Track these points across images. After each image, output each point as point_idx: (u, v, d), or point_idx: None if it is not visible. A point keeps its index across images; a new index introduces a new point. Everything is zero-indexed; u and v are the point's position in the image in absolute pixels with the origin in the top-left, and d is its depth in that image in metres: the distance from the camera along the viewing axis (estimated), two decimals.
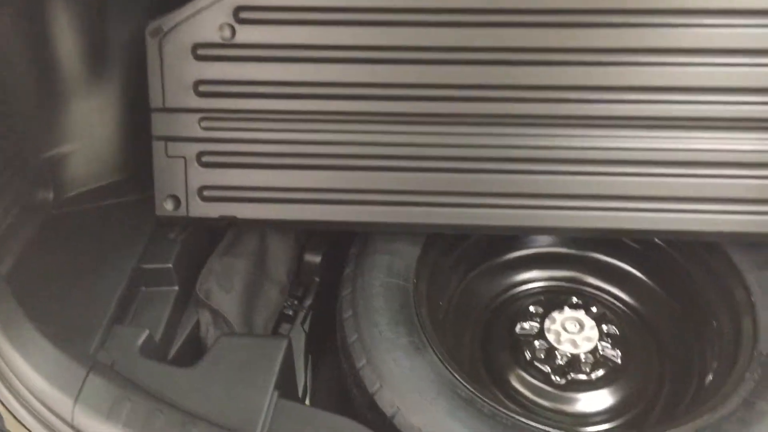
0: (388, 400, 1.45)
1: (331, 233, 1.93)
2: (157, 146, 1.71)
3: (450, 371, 1.48)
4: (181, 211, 1.71)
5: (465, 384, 1.46)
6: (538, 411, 1.70)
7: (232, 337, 1.52)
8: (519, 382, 1.75)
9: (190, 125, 1.71)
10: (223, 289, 1.70)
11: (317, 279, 1.91)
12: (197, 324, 1.67)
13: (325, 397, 1.80)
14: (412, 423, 1.41)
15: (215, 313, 1.67)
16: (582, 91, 1.65)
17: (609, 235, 1.70)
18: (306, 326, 1.82)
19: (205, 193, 1.72)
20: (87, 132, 1.87)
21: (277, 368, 1.40)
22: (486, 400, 1.43)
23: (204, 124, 1.71)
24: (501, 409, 1.42)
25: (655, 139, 1.65)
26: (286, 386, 1.44)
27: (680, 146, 1.64)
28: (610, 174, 1.67)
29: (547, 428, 1.39)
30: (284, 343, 1.46)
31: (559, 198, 1.68)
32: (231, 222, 1.74)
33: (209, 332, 1.66)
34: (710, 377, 1.62)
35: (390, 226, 1.72)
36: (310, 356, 1.82)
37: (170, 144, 1.72)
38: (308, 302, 1.86)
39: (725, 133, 1.64)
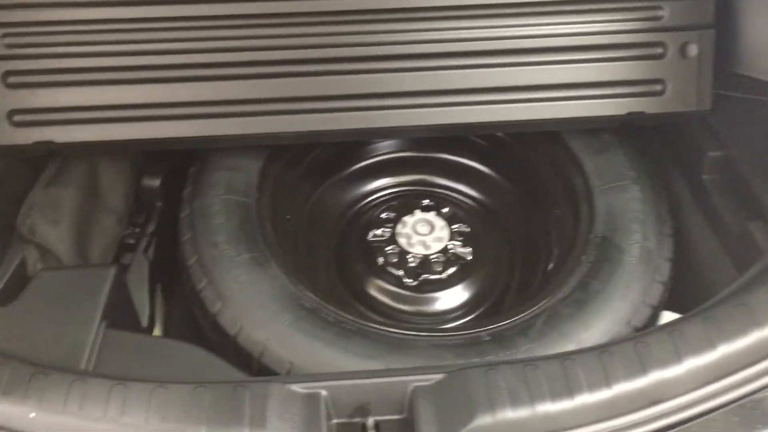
0: (230, 318, 1.40)
1: (171, 153, 1.82)
2: None
3: (293, 283, 1.45)
4: None
5: (308, 294, 1.43)
6: (397, 316, 1.70)
7: (52, 271, 1.42)
8: (375, 289, 1.74)
9: None
10: (49, 222, 1.57)
11: (159, 204, 1.80)
12: (23, 262, 1.54)
13: (177, 325, 1.73)
14: (255, 339, 1.37)
15: (42, 249, 1.54)
16: None
17: (454, 131, 1.68)
18: (150, 254, 1.72)
19: (16, 117, 1.57)
20: None
21: (103, 298, 1.31)
22: (330, 308, 1.41)
23: (7, 40, 1.55)
24: (346, 315, 1.40)
25: (491, 28, 1.63)
26: (118, 316, 1.36)
27: (513, 33, 1.63)
28: (449, 67, 1.64)
29: (390, 329, 1.38)
30: (111, 272, 1.36)
31: (400, 96, 1.63)
32: (50, 149, 1.60)
33: (37, 269, 1.53)
34: (552, 264, 1.66)
35: (227, 140, 1.62)
36: (159, 285, 1.74)
37: None
38: (150, 229, 1.76)
39: (554, 18, 1.64)
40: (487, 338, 1.36)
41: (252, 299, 1.42)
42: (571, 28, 1.63)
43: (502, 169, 1.92)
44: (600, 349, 1.17)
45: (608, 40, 1.64)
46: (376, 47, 1.62)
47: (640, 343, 1.17)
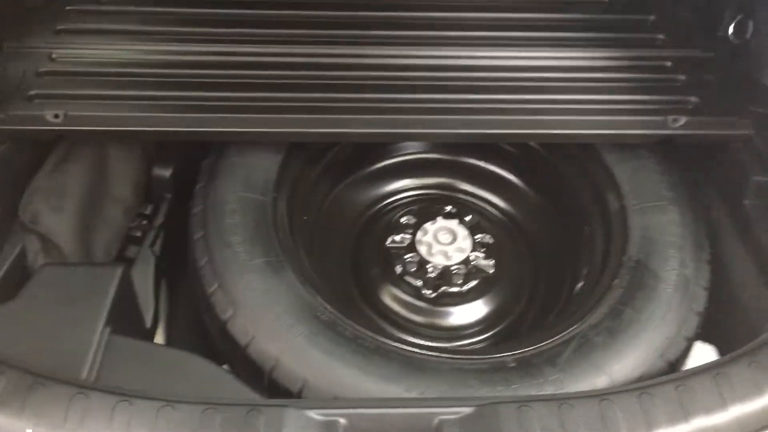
0: (242, 327, 1.32)
1: (184, 144, 1.73)
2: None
3: (310, 293, 1.37)
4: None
5: (325, 306, 1.35)
6: (410, 327, 1.63)
7: (55, 267, 1.33)
8: (390, 297, 1.66)
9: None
10: (53, 210, 1.49)
11: (169, 195, 1.71)
12: (23, 252, 1.45)
13: (182, 327, 1.64)
14: (268, 352, 1.29)
15: (44, 239, 1.46)
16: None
17: (484, 139, 1.61)
18: (156, 248, 1.63)
19: (37, 100, 1.51)
20: None
21: (108, 301, 1.23)
22: (348, 322, 1.33)
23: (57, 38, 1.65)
24: (364, 331, 1.32)
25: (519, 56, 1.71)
26: (124, 320, 1.28)
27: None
28: (485, 80, 1.62)
29: (411, 348, 1.30)
30: (117, 272, 1.28)
31: (431, 102, 1.56)
32: (60, 133, 1.52)
33: (38, 261, 1.45)
34: (580, 285, 1.58)
35: (246, 135, 1.54)
36: (164, 281, 1.65)
37: (14, 52, 1.61)
38: (158, 222, 1.67)
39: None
40: (513, 364, 1.28)
41: (266, 308, 1.33)
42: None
43: (531, 179, 1.84)
44: (639, 390, 1.09)
45: (640, 57, 1.70)
46: (408, 59, 1.66)
47: (682, 386, 1.10)
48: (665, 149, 1.62)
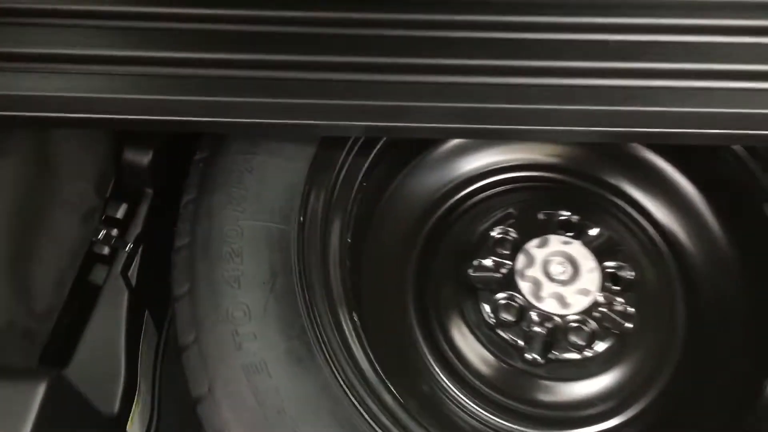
0: None
1: None
2: None
3: (352, 404, 0.85)
4: None
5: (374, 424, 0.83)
6: (502, 403, 1.10)
7: None
8: (474, 355, 1.13)
9: None
10: None
11: (149, 190, 1.16)
12: None
13: (173, 393, 1.14)
14: None
15: None
16: None
17: (630, 140, 1.00)
18: (132, 274, 1.11)
19: None
20: None
21: None
22: None
23: None
24: None
25: None
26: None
27: None
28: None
29: None
30: (38, 391, 0.76)
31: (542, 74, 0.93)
32: None
33: None
34: None
35: (263, 127, 0.95)
36: (146, 316, 1.15)
37: None
38: (135, 231, 1.13)
39: None
40: None
41: None
42: None
43: (706, 180, 1.19)
44: None
45: None
46: None
47: None
48: None
